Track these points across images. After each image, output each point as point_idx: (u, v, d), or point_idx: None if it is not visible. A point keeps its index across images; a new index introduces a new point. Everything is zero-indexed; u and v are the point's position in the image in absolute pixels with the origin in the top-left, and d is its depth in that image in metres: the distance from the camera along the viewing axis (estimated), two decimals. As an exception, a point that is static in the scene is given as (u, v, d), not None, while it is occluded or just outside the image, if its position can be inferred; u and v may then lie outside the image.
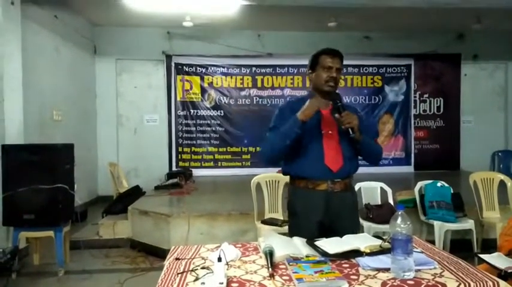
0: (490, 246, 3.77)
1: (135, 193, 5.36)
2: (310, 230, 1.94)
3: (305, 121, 1.95)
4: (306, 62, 6.96)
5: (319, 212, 2.03)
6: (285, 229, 3.50)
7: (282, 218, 3.72)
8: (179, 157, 7.34)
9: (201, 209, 4.28)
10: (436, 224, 3.65)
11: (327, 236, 1.83)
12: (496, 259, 2.02)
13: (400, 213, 1.46)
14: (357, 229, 2.09)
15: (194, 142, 7.36)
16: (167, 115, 7.28)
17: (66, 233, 3.74)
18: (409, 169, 7.51)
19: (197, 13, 5.95)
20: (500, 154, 7.71)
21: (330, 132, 2.02)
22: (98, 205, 6.06)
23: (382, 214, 3.60)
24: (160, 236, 4.08)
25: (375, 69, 7.53)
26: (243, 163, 7.35)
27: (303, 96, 2.23)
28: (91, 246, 4.25)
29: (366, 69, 7.50)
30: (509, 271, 1.86)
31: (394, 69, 7.54)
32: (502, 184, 3.88)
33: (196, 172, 7.11)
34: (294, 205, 2.13)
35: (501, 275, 1.82)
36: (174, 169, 7.20)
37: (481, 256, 2.04)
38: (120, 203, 4.96)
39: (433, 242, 3.50)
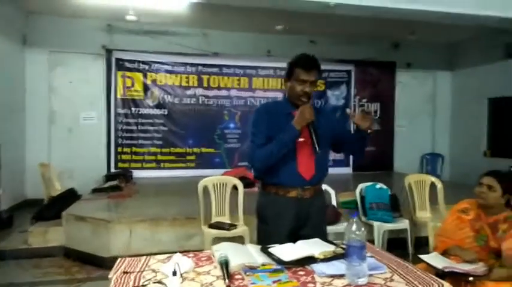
0: (421, 243, 4.06)
1: (70, 196, 4.98)
2: (280, 236, 1.93)
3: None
4: (252, 63, 7.16)
5: (288, 219, 2.03)
6: (233, 232, 3.51)
7: (229, 221, 3.69)
8: (118, 158, 6.97)
9: (143, 213, 4.09)
10: (376, 224, 3.85)
11: (295, 241, 1.82)
12: (433, 258, 2.15)
13: (355, 220, 1.49)
14: (323, 234, 2.11)
15: (135, 142, 7.03)
16: (106, 113, 6.88)
17: (-11, 242, 3.36)
18: (348, 170, 7.86)
19: (141, 7, 5.69)
20: (428, 156, 8.37)
21: (302, 139, 2.00)
22: (25, 210, 5.54)
23: (326, 215, 3.70)
24: (99, 244, 3.82)
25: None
26: (187, 163, 7.18)
27: (279, 100, 2.23)
28: (18, 256, 3.86)
29: (309, 73, 7.70)
30: (446, 270, 1.99)
31: (336, 74, 7.84)
32: (433, 185, 4.19)
33: (137, 174, 6.82)
34: (263, 211, 2.11)
35: (439, 275, 1.94)
36: (112, 170, 6.83)
37: (421, 256, 2.17)
38: (53, 207, 4.56)
39: (372, 241, 3.68)
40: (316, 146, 1.97)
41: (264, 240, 1.99)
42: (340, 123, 2.25)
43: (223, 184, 3.76)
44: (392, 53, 7.99)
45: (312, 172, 2.05)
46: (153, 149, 7.08)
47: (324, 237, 2.02)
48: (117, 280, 1.50)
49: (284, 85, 2.14)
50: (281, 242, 1.82)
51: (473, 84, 7.86)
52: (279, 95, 7.54)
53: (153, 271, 1.59)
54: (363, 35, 7.34)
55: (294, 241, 1.84)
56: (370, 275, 1.49)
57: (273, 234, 2.02)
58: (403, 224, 3.91)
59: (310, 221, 2.08)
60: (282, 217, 2.04)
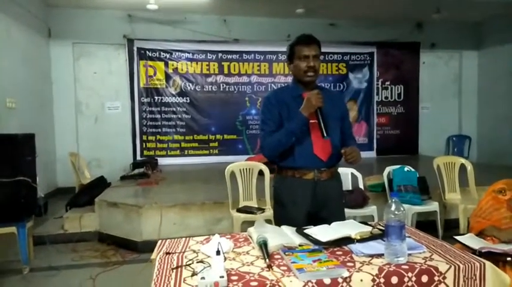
0: (451, 226, 4.01)
1: (100, 184, 5.14)
2: (298, 220, 1.94)
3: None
4: (272, 48, 7.13)
5: (306, 201, 2.04)
6: (261, 216, 3.54)
7: (256, 205, 3.73)
8: (144, 146, 7.12)
9: (173, 199, 4.18)
10: (404, 207, 3.80)
11: (314, 225, 1.84)
12: (469, 239, 2.13)
13: (394, 200, 1.49)
14: (342, 217, 2.10)
15: (159, 130, 7.16)
16: (130, 102, 7.01)
17: (29, 228, 3.51)
18: (372, 154, 7.78)
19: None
20: (454, 138, 8.19)
21: (315, 121, 2.00)
22: (57, 197, 5.78)
23: (353, 198, 3.71)
24: (131, 228, 3.95)
25: (339, 57, 7.66)
26: (211, 150, 7.27)
27: (287, 85, 2.22)
28: (56, 241, 4.02)
29: (331, 57, 7.61)
30: (483, 251, 1.97)
31: (358, 57, 7.70)
32: (462, 167, 4.11)
33: (161, 161, 6.95)
34: (280, 195, 2.12)
35: (476, 255, 1.92)
36: (138, 158, 6.98)
37: (456, 237, 2.15)
38: (85, 195, 4.73)
39: (401, 224, 3.65)
40: (324, 132, 1.95)
41: (282, 222, 1.97)
42: (346, 115, 2.22)
43: (249, 169, 3.80)
44: (416, 33, 7.78)
45: (328, 153, 2.04)
46: (176, 137, 7.19)
47: (342, 220, 2.01)
48: (161, 260, 1.56)
49: (288, 68, 2.14)
50: (298, 225, 1.83)
51: (501, 64, 7.59)
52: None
53: (194, 251, 1.64)
54: (385, 17, 7.16)
55: (312, 225, 1.84)
56: (409, 254, 1.50)
57: (290, 217, 2.01)
58: (433, 206, 3.86)
59: (328, 204, 2.07)
60: (298, 199, 2.04)
